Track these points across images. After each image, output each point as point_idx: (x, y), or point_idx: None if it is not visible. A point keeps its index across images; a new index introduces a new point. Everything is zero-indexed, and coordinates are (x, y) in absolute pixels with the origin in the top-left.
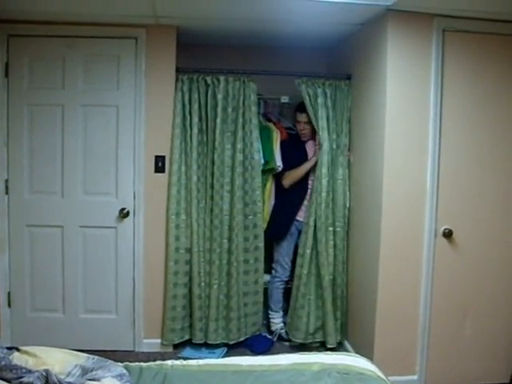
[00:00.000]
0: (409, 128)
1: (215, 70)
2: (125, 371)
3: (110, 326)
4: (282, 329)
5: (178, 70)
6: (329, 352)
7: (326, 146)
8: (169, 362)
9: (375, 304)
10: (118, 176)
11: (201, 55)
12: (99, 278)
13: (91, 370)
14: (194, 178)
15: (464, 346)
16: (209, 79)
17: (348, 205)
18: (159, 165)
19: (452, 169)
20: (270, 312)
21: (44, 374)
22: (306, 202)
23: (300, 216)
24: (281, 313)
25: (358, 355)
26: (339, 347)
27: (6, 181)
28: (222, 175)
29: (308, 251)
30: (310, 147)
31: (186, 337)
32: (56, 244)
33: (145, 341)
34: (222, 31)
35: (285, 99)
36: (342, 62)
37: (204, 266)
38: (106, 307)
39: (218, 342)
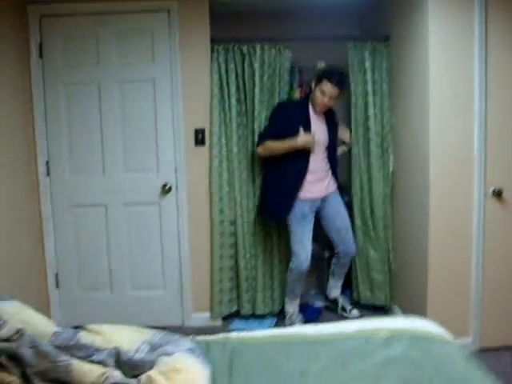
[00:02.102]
0: (454, 88)
1: (250, 39)
2: (195, 345)
3: (158, 302)
4: (292, 317)
5: (212, 41)
6: (393, 316)
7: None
8: (233, 335)
9: (427, 267)
10: (158, 151)
11: (234, 24)
12: (145, 255)
13: (159, 346)
14: (235, 150)
15: None
16: (244, 48)
17: (391, 168)
18: (199, 137)
19: (499, 128)
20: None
21: (114, 351)
22: (310, 178)
23: (312, 193)
24: (296, 301)
25: (420, 319)
26: (388, 311)
27: (47, 162)
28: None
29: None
30: (316, 120)
31: (235, 308)
32: (100, 223)
33: (193, 315)
34: None
35: (321, 65)
36: (378, 23)
37: (248, 237)
38: (153, 283)
39: (266, 313)
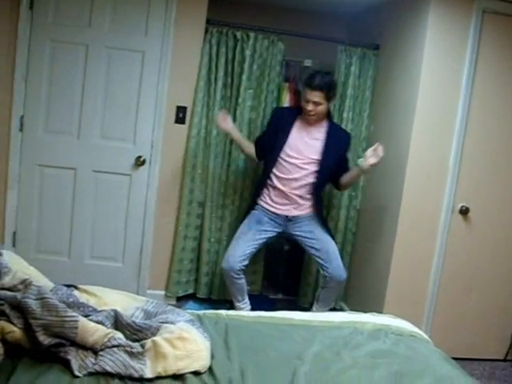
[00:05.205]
0: (439, 105)
1: (245, 26)
2: (192, 317)
3: (114, 274)
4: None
5: (207, 22)
6: (374, 313)
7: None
8: (222, 312)
9: (388, 273)
10: (137, 123)
11: (231, 9)
12: (108, 225)
13: (155, 315)
14: (214, 133)
15: (465, 321)
16: (238, 34)
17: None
18: (180, 116)
19: (476, 148)
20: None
21: (112, 314)
22: (273, 193)
23: (271, 206)
24: (238, 305)
25: (399, 318)
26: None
27: (22, 117)
28: (241, 132)
29: None
30: (301, 132)
31: (190, 291)
32: (67, 186)
33: (148, 291)
34: None
35: (308, 63)
36: (368, 31)
37: (215, 221)
38: (112, 255)
39: (221, 299)
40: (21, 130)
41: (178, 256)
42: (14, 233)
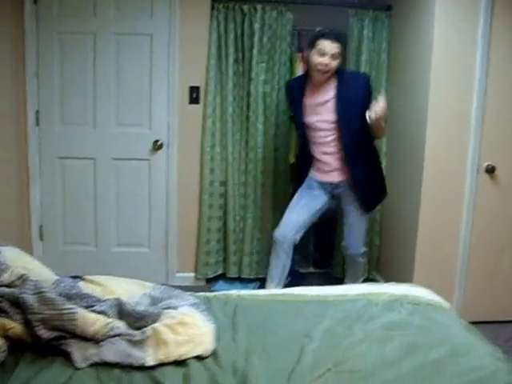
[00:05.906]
0: (455, 62)
1: None
2: (198, 300)
3: (142, 260)
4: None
5: None
6: (392, 283)
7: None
8: (233, 292)
9: (415, 238)
10: (151, 107)
11: None
12: (132, 211)
13: (161, 300)
14: (230, 110)
15: (500, 282)
16: (245, 8)
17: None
18: (194, 96)
19: (497, 105)
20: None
21: (115, 302)
22: (318, 165)
23: (315, 175)
24: (270, 285)
25: (418, 286)
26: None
27: (37, 112)
28: (257, 107)
29: None
30: (313, 97)
31: (220, 271)
32: (88, 176)
33: (177, 274)
34: None
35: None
36: None
37: (239, 199)
38: (138, 241)
39: (251, 277)
40: (37, 124)
41: (204, 237)
42: (41, 227)
